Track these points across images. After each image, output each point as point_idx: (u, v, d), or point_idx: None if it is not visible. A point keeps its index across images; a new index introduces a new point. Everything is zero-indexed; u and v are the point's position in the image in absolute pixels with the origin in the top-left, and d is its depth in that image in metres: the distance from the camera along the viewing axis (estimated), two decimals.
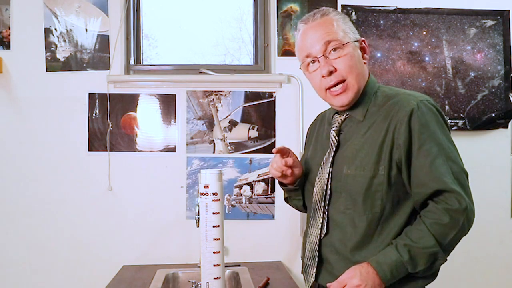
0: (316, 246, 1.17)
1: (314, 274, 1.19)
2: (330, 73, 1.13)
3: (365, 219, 1.10)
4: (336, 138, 1.19)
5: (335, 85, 1.14)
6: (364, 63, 1.19)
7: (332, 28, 1.14)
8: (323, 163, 1.19)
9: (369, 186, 1.10)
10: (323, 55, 1.14)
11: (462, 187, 1.06)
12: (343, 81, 1.14)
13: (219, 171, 1.14)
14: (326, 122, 1.29)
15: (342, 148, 1.17)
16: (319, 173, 1.19)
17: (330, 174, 1.16)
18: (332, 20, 1.16)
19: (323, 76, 1.14)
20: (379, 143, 1.10)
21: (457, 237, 1.05)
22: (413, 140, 1.07)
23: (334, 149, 1.18)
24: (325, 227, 1.16)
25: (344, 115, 1.20)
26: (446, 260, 1.06)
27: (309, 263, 1.21)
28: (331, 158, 1.17)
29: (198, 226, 1.79)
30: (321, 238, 1.17)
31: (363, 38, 1.20)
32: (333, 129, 1.21)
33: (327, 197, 1.17)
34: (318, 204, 1.18)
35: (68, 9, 2.12)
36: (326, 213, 1.17)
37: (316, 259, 1.18)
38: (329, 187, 1.16)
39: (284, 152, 1.21)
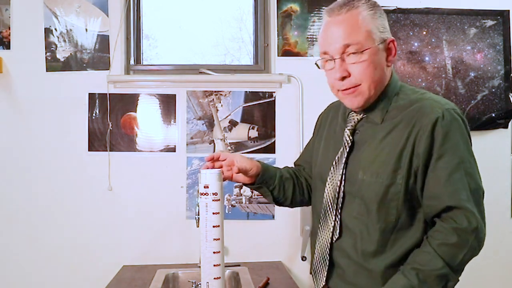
0: (327, 250, 1.14)
1: (324, 278, 1.15)
2: (344, 78, 1.07)
3: (378, 228, 1.06)
4: (351, 138, 1.13)
5: (347, 89, 1.09)
6: (388, 65, 1.10)
7: (356, 27, 1.04)
8: (335, 162, 1.14)
9: (384, 195, 1.05)
10: (340, 57, 1.06)
11: (477, 205, 1.00)
12: (356, 85, 1.07)
13: (219, 171, 1.13)
14: (340, 116, 1.23)
15: (357, 150, 1.12)
16: (331, 173, 1.15)
17: (343, 176, 1.12)
18: (359, 17, 1.05)
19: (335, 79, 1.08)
20: (398, 150, 1.04)
21: (467, 258, 1.00)
22: (434, 150, 1.01)
23: (347, 149, 1.13)
24: (338, 231, 1.12)
25: (361, 115, 1.14)
26: (459, 280, 1.01)
27: (319, 265, 1.18)
28: (344, 159, 1.12)
29: (198, 226, 1.79)
30: (333, 242, 1.13)
31: (392, 38, 1.09)
32: (348, 128, 1.15)
33: (340, 200, 1.12)
34: (330, 207, 1.14)
35: (68, 9, 2.12)
36: (339, 216, 1.12)
37: (327, 263, 1.14)
38: (342, 189, 1.12)
39: (216, 159, 1.21)
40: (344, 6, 1.06)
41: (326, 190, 1.16)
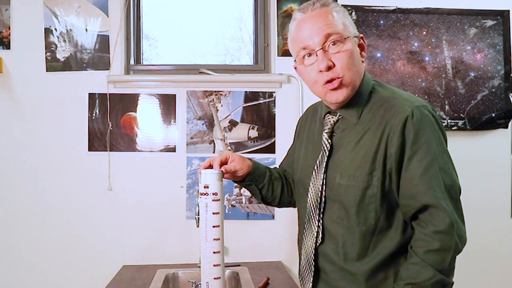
0: (312, 255, 1.14)
1: (310, 284, 1.16)
2: (329, 68, 1.04)
3: (358, 232, 1.06)
4: (329, 141, 1.13)
5: (330, 81, 1.06)
6: (362, 61, 1.11)
7: (333, 19, 1.06)
8: (317, 167, 1.14)
9: (362, 198, 1.05)
10: (322, 48, 1.05)
11: (452, 201, 1.00)
12: (339, 77, 1.06)
13: (219, 171, 1.13)
14: (318, 119, 1.23)
15: (335, 154, 1.12)
16: (313, 177, 1.14)
17: (324, 181, 1.12)
18: (333, 11, 1.07)
19: (320, 71, 1.06)
20: (373, 152, 1.04)
21: (454, 257, 0.99)
22: (406, 149, 1.01)
23: (327, 153, 1.12)
24: (321, 236, 1.13)
25: (337, 116, 1.14)
26: (453, 282, 1.01)
27: (305, 271, 1.18)
28: (324, 164, 1.12)
29: (198, 226, 1.79)
30: (317, 247, 1.14)
31: (361, 35, 1.12)
32: (325, 131, 1.15)
33: (322, 205, 1.12)
34: (313, 212, 1.14)
35: (68, 9, 2.12)
36: (321, 221, 1.13)
37: (312, 268, 1.15)
38: (323, 194, 1.12)
39: (223, 163, 1.19)
40: (316, 3, 1.08)
41: (309, 195, 1.15)
